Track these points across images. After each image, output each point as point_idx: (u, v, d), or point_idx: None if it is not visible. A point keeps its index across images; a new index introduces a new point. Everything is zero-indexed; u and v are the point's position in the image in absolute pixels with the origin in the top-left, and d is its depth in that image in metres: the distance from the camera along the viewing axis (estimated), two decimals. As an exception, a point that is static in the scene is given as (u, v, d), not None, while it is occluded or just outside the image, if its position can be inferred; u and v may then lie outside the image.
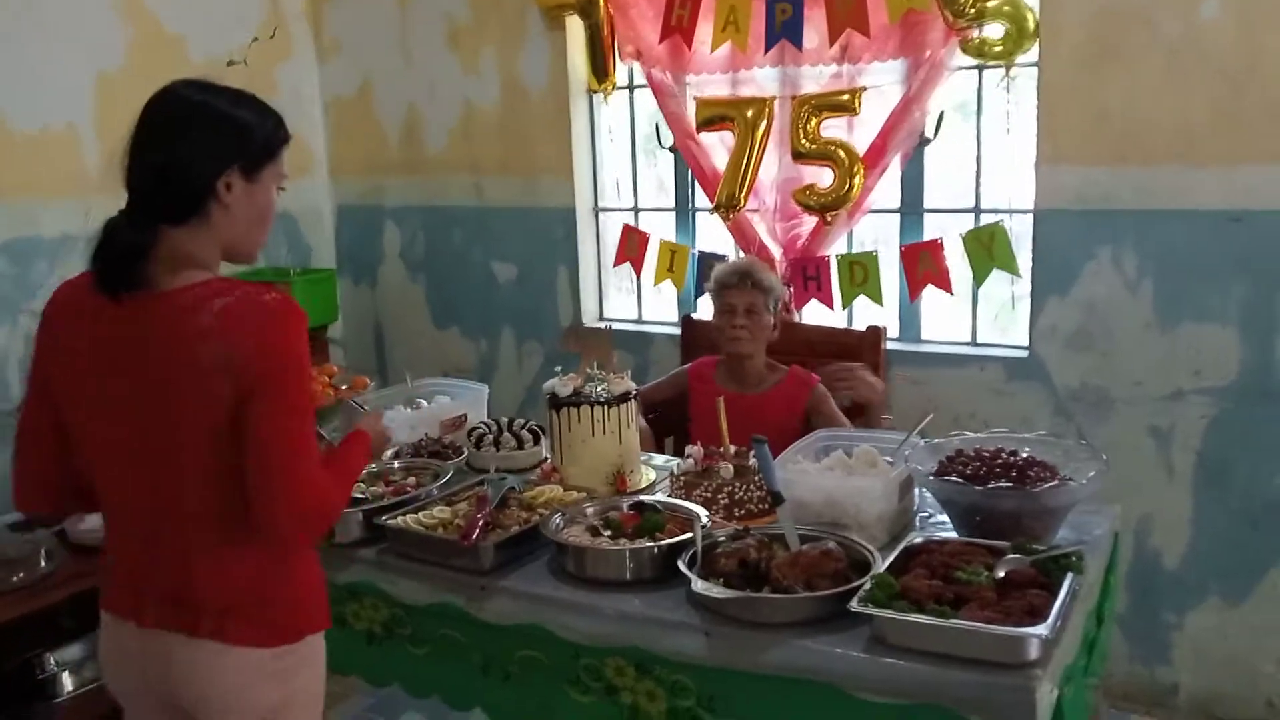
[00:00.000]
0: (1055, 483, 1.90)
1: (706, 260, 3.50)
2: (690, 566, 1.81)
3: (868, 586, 1.67)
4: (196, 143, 1.54)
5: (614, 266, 3.82)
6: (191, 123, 1.55)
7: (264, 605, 1.60)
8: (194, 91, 1.58)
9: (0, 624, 2.62)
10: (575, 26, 3.69)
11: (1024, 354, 3.11)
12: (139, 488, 1.59)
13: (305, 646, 1.65)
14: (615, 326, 3.90)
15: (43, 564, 2.70)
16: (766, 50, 3.31)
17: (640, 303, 3.94)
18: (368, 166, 4.27)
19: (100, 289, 1.54)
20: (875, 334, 3.07)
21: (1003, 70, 3.04)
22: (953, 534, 1.95)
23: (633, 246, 3.69)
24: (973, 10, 2.95)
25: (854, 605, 1.62)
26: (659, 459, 2.58)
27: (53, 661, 2.67)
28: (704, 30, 3.39)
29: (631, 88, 3.78)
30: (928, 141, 3.25)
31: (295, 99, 4.20)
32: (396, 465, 2.40)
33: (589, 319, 3.92)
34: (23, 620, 2.65)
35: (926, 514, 2.11)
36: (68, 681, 2.69)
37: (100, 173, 3.48)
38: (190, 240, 1.55)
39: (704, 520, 1.96)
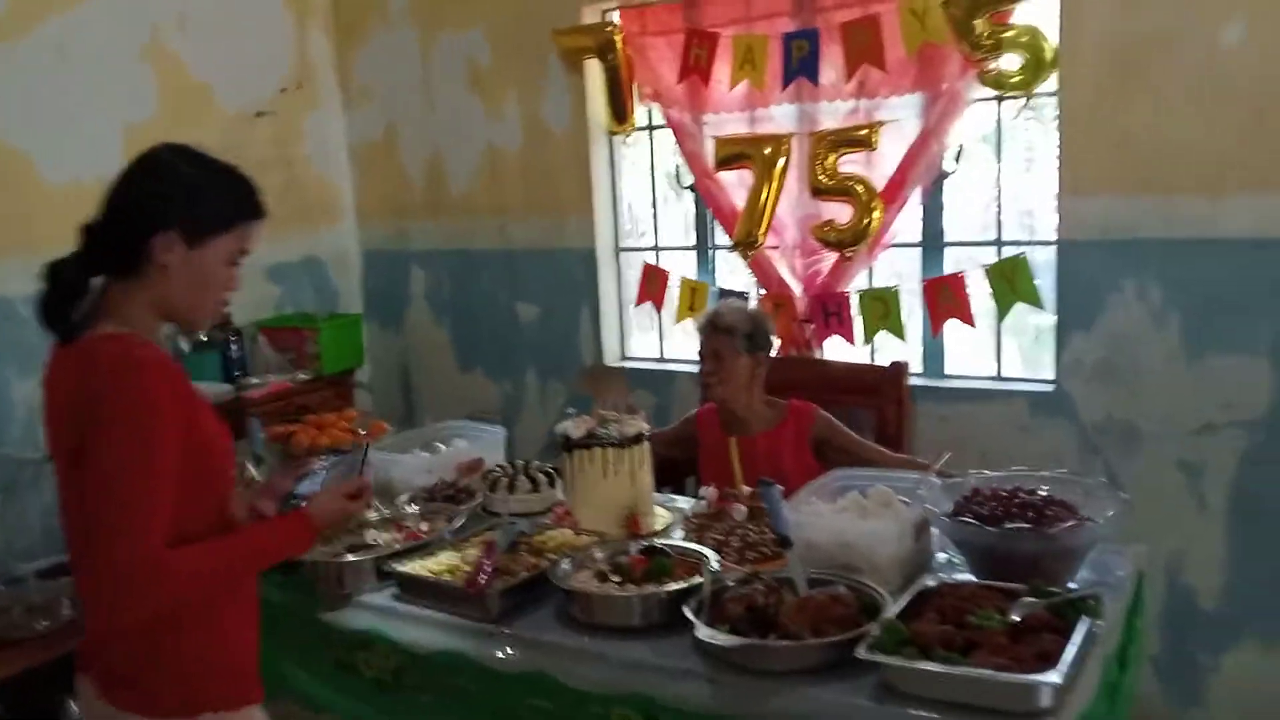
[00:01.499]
0: (1073, 523, 1.84)
1: (726, 297, 3.49)
2: (698, 612, 1.78)
3: (876, 632, 1.63)
4: (141, 199, 1.54)
5: (636, 305, 3.82)
6: (145, 180, 1.56)
7: (146, 673, 1.56)
8: (166, 152, 1.59)
9: (25, 670, 2.65)
10: (594, 69, 3.72)
11: (1050, 388, 3.05)
12: (66, 536, 1.60)
13: None
14: (638, 365, 3.89)
15: (66, 610, 2.73)
16: (784, 88, 3.31)
17: (662, 341, 3.93)
18: (393, 211, 4.33)
19: (44, 329, 1.56)
20: (898, 369, 3.03)
21: (1023, 100, 3.03)
22: (970, 576, 1.90)
23: (654, 285, 3.69)
24: (990, 41, 2.93)
25: (861, 652, 1.58)
26: (682, 501, 2.55)
27: (74, 707, 2.67)
28: (721, 69, 3.40)
29: (651, 128, 3.80)
30: (947, 175, 3.22)
31: (322, 146, 4.29)
32: (410, 510, 2.40)
33: (611, 358, 3.92)
34: (46, 666, 2.67)
35: (945, 556, 2.06)
36: (89, 728, 2.69)
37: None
38: (125, 296, 1.55)
39: (713, 564, 1.93)
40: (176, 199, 1.54)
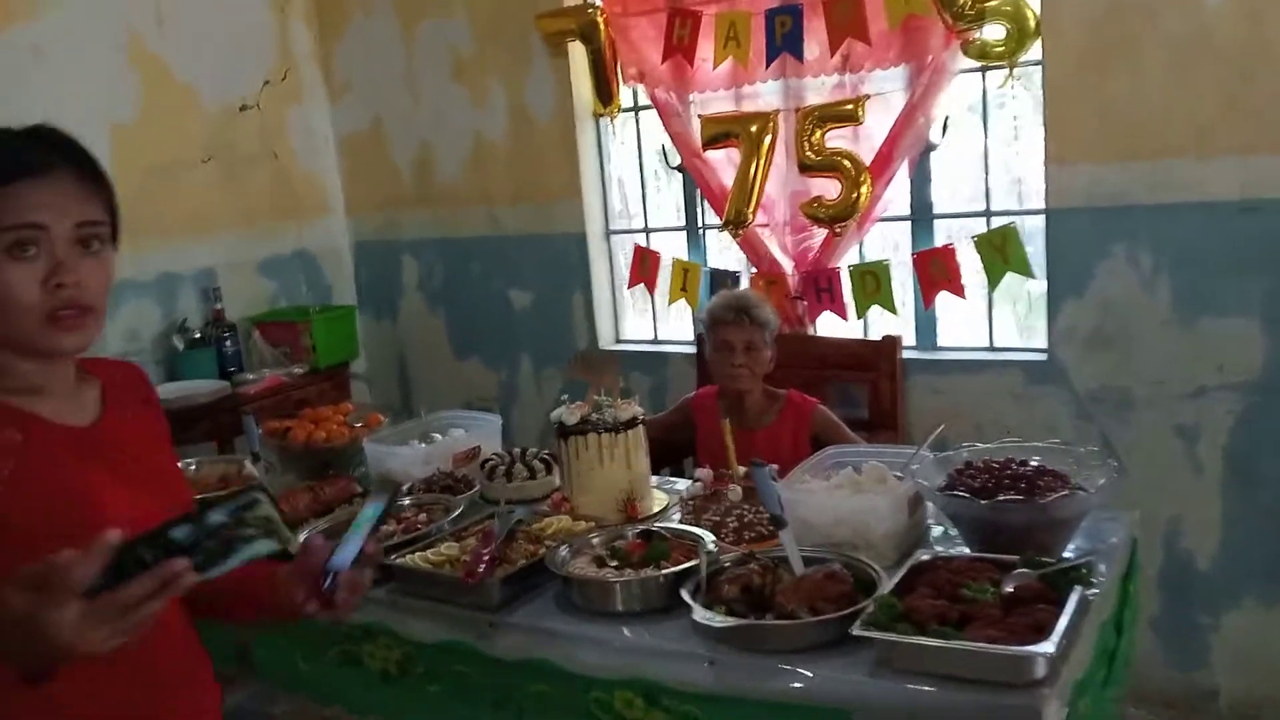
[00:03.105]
0: (1064, 493, 1.85)
1: (718, 278, 3.50)
2: (695, 594, 1.79)
3: (871, 609, 1.64)
4: None
5: (628, 288, 3.82)
6: None
7: None
8: None
9: None
10: (578, 52, 3.70)
11: (1043, 357, 3.06)
12: None
13: None
14: (632, 348, 3.90)
15: None
16: (768, 64, 3.29)
17: (655, 323, 3.93)
18: (383, 202, 4.32)
19: None
20: (890, 344, 3.05)
21: (1008, 70, 3.02)
22: (965, 549, 1.91)
23: (645, 267, 3.69)
24: (972, 12, 2.92)
25: (856, 629, 1.59)
26: (681, 484, 2.55)
27: None
28: (705, 48, 3.39)
29: (637, 109, 3.79)
30: (934, 147, 3.22)
31: (309, 139, 4.27)
32: (408, 501, 2.41)
33: (605, 342, 3.93)
34: None
35: (941, 529, 2.08)
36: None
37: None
38: None
39: (709, 546, 1.94)
40: None
